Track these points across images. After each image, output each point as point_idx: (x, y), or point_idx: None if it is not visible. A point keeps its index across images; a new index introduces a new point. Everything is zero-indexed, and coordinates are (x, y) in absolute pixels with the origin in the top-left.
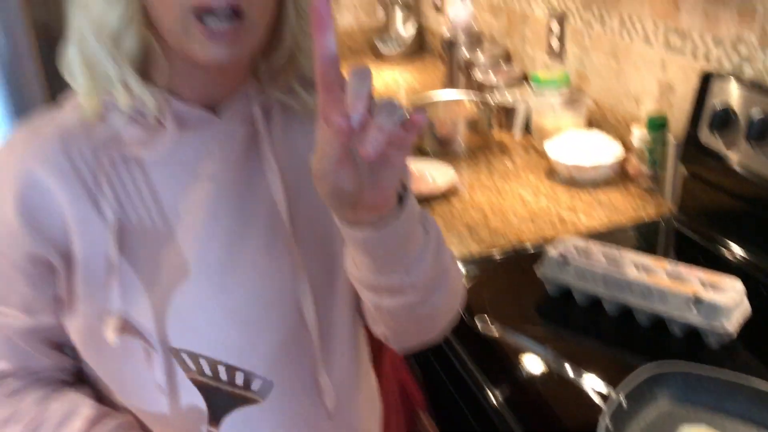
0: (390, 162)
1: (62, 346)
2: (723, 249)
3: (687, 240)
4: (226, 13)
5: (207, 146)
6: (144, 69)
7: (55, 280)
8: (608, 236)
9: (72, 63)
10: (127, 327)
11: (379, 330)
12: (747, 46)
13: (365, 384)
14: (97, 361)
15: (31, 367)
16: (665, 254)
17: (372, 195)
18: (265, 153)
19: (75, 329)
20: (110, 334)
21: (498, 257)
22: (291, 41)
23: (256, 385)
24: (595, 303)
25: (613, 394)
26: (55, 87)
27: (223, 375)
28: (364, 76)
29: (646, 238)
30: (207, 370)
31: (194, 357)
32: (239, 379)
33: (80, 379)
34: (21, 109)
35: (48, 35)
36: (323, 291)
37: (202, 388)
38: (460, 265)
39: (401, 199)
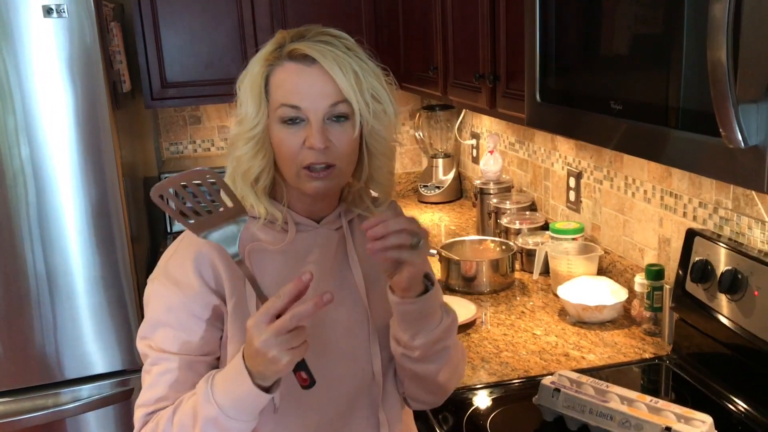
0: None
1: None
2: (709, 388)
3: (679, 379)
4: (322, 167)
5: (312, 244)
6: (272, 194)
7: (221, 325)
8: (606, 373)
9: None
10: None
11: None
12: (724, 209)
13: (407, 423)
14: None
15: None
16: (657, 391)
17: (399, 281)
18: (350, 251)
19: (226, 362)
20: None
21: (504, 386)
22: (366, 174)
23: None
24: (584, 429)
25: None
26: (132, 216)
27: None
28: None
29: (641, 375)
30: None
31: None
32: None
33: None
34: (108, 236)
35: (132, 174)
36: (387, 352)
37: None
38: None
39: (427, 289)
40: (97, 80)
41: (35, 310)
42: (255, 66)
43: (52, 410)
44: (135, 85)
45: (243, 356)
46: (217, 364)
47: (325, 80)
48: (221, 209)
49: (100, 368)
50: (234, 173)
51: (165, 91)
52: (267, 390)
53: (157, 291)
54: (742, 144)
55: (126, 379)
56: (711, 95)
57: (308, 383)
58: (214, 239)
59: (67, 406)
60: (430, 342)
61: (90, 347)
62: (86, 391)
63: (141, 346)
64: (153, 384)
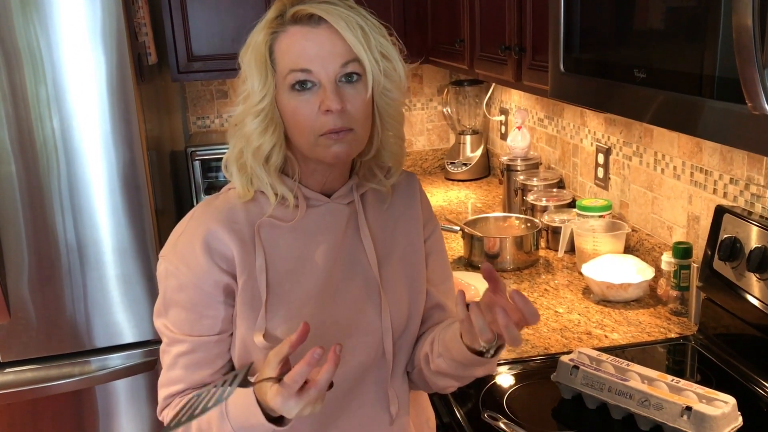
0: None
1: (221, 360)
2: (735, 369)
3: (704, 360)
4: (339, 130)
5: (323, 218)
6: (283, 168)
7: (232, 302)
8: (630, 352)
9: (232, 170)
10: (268, 336)
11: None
12: (756, 185)
13: (419, 398)
14: (244, 359)
15: (196, 381)
16: (681, 371)
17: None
18: (362, 226)
19: (236, 337)
20: (259, 340)
21: (523, 363)
22: (377, 141)
23: None
24: (603, 408)
25: None
26: (157, 188)
27: None
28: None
29: (666, 355)
30: None
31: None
32: None
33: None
34: (134, 208)
35: (157, 147)
36: (398, 329)
37: None
38: None
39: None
40: (121, 52)
41: (66, 279)
42: (257, 36)
43: (81, 377)
44: (162, 59)
45: (255, 396)
46: (230, 341)
47: (333, 40)
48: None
49: (128, 338)
50: (243, 153)
51: (191, 64)
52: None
53: (167, 270)
54: (767, 110)
55: (154, 348)
56: (736, 61)
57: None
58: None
59: (96, 374)
60: (452, 374)
61: (119, 317)
62: (115, 359)
63: (158, 324)
64: (171, 365)
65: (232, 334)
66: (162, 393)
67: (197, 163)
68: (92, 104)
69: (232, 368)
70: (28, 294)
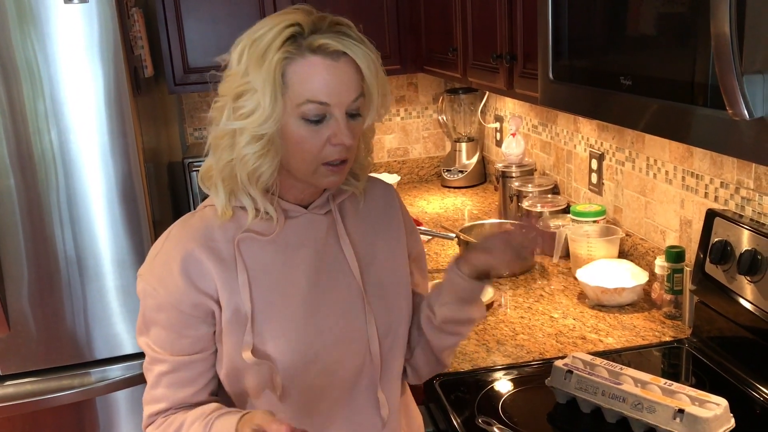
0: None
1: (204, 378)
2: (729, 372)
3: (698, 363)
4: (339, 162)
5: (303, 229)
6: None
7: (211, 321)
8: (625, 356)
9: (214, 184)
10: (257, 351)
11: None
12: (746, 189)
13: (408, 404)
14: (233, 376)
15: (179, 399)
16: (676, 375)
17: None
18: (341, 234)
19: (224, 355)
20: (248, 356)
21: (519, 368)
22: (353, 157)
23: None
24: (597, 411)
25: None
26: (154, 200)
27: None
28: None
29: (660, 359)
30: None
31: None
32: None
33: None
34: (132, 219)
35: (154, 160)
36: (384, 333)
37: None
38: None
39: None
40: (118, 65)
41: (65, 290)
42: (271, 55)
43: (81, 389)
44: (158, 72)
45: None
46: (213, 359)
47: (350, 75)
48: None
49: (128, 349)
50: (229, 167)
51: (187, 76)
52: None
53: (145, 290)
54: (747, 116)
55: None
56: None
57: None
58: None
59: (96, 385)
60: (454, 320)
61: (118, 328)
62: (115, 371)
63: (139, 342)
64: (154, 383)
65: (216, 352)
66: (146, 410)
67: (195, 174)
68: (89, 117)
69: (219, 385)
70: (28, 307)
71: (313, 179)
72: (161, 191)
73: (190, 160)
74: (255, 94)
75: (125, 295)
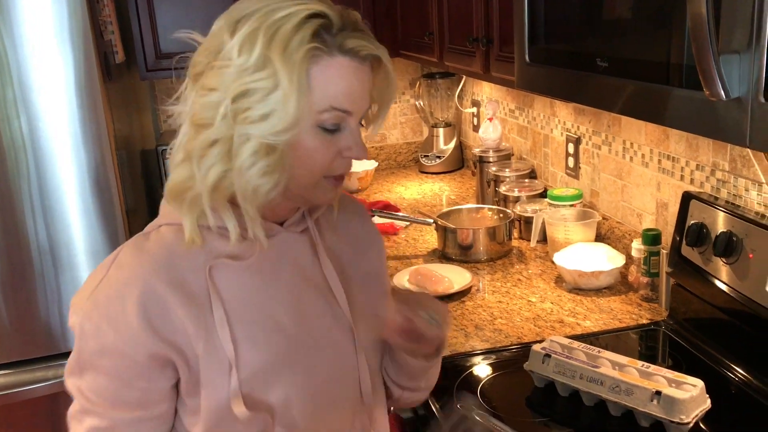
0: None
1: None
2: (705, 353)
3: (675, 345)
4: (340, 176)
5: (277, 250)
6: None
7: (171, 374)
8: (602, 339)
9: (193, 208)
10: (248, 400)
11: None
12: (722, 171)
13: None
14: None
15: None
16: (653, 357)
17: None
18: (321, 253)
19: (204, 408)
20: (240, 410)
21: (497, 353)
22: None
23: None
24: (575, 395)
25: None
26: (127, 188)
27: None
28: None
29: (637, 341)
30: None
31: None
32: None
33: None
34: (105, 208)
35: (127, 147)
36: (372, 364)
37: None
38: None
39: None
40: (87, 50)
41: (39, 281)
42: (295, 45)
43: (56, 381)
44: (130, 57)
45: None
46: (168, 415)
47: (369, 82)
48: None
49: None
50: (220, 185)
51: (159, 62)
52: None
53: (83, 329)
54: (724, 96)
55: None
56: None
57: None
58: None
59: None
60: (418, 378)
61: None
62: None
63: (69, 384)
64: None
65: (170, 412)
66: None
67: (168, 161)
68: (59, 104)
69: None
70: (0, 298)
71: (309, 193)
72: (134, 179)
73: (164, 148)
74: (272, 93)
75: None
